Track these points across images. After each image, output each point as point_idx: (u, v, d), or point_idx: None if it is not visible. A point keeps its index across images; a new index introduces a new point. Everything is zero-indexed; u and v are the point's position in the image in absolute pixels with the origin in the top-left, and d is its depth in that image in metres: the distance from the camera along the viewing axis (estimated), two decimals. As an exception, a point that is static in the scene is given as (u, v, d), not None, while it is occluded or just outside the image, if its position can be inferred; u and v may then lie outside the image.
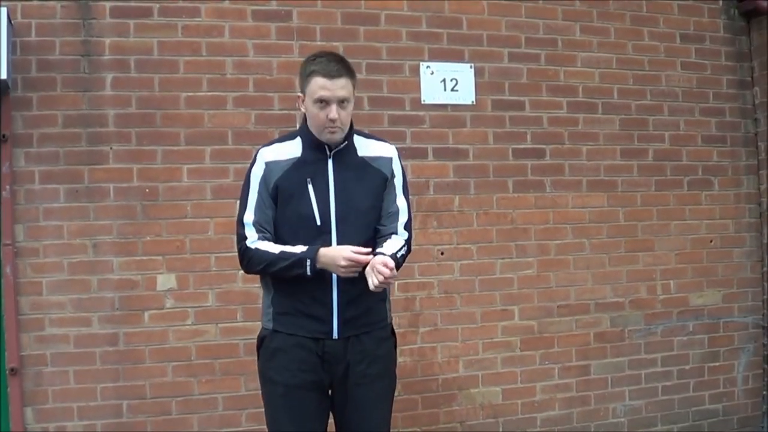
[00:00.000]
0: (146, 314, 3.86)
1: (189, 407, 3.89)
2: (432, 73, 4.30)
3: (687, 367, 4.70)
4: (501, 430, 4.34)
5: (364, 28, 4.20)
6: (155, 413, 3.85)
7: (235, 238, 2.74)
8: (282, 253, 2.62)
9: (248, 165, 2.76)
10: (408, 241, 2.78)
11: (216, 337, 3.94)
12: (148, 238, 3.88)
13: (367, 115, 4.16)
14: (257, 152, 2.75)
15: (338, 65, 2.62)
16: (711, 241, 4.78)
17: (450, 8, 4.35)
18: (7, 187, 3.71)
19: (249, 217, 2.67)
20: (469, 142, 4.35)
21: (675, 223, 4.71)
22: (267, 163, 2.68)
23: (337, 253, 2.57)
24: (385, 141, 2.86)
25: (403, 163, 2.86)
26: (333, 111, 2.60)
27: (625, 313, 4.59)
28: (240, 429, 3.94)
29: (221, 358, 3.94)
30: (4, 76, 3.52)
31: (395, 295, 4.11)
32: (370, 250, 2.59)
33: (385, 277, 2.51)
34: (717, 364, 4.77)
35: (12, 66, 3.65)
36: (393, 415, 2.86)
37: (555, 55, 4.51)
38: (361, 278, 2.57)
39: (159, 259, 3.89)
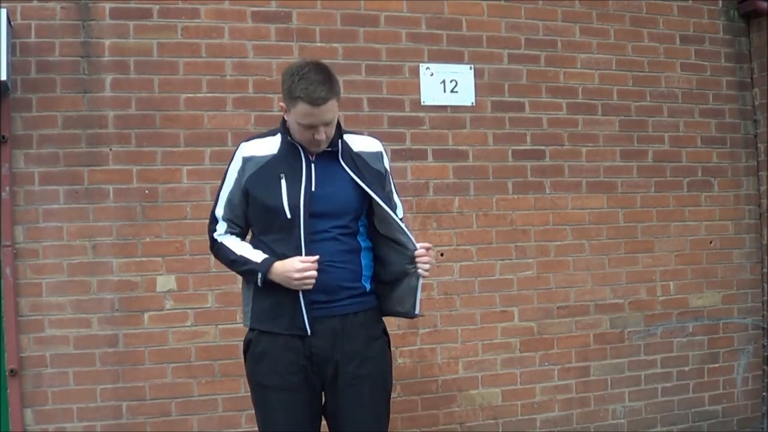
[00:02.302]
0: (146, 315, 3.86)
1: (188, 408, 3.90)
2: (432, 74, 4.30)
3: (686, 369, 4.70)
4: (501, 431, 4.34)
5: (363, 29, 4.21)
6: (155, 414, 3.85)
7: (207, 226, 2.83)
8: (241, 257, 2.69)
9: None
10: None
11: (215, 338, 3.94)
12: (148, 239, 3.89)
13: (366, 116, 4.17)
14: (238, 147, 2.77)
15: (323, 88, 2.51)
16: (711, 243, 4.78)
17: (450, 9, 4.35)
18: (7, 188, 3.70)
19: (219, 211, 2.76)
20: (468, 144, 4.36)
21: (675, 225, 4.71)
22: (244, 158, 2.71)
23: (289, 267, 2.56)
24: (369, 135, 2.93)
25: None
26: (320, 133, 2.59)
27: (624, 315, 4.58)
28: (239, 430, 3.94)
29: (221, 359, 3.93)
30: (3, 78, 3.52)
31: (395, 296, 4.12)
32: (317, 258, 2.56)
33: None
34: (717, 365, 4.77)
35: (12, 67, 3.65)
36: (393, 416, 2.86)
37: (554, 57, 4.51)
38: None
39: (158, 260, 3.89)
